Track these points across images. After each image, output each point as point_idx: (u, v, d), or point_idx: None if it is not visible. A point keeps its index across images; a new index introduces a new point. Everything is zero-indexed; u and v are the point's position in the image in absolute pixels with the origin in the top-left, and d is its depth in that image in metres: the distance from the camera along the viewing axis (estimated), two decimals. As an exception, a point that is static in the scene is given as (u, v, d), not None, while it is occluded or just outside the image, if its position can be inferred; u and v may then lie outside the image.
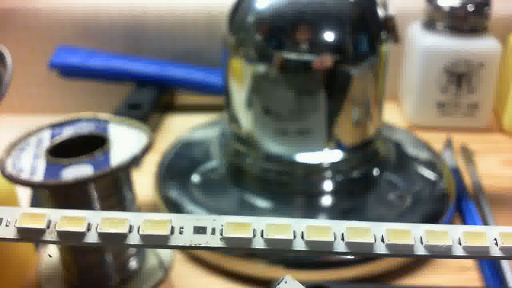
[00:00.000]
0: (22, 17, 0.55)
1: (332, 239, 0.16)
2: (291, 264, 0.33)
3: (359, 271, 0.33)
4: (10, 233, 0.16)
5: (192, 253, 0.36)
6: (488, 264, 0.34)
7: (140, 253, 0.31)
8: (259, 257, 0.33)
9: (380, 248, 0.16)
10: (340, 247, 0.16)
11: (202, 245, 0.17)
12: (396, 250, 0.16)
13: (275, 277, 0.33)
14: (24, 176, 0.27)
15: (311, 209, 0.37)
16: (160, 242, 0.16)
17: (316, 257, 0.33)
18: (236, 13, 0.37)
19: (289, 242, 0.16)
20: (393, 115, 0.54)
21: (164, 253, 0.32)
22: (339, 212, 0.36)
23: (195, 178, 0.40)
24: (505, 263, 0.33)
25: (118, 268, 0.30)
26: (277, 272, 0.33)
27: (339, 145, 0.37)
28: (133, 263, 0.31)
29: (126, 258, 0.30)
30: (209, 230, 0.17)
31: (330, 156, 0.37)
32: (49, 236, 0.16)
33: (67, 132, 0.31)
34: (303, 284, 0.30)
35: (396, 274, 0.34)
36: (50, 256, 0.32)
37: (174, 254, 0.34)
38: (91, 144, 0.30)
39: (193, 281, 0.34)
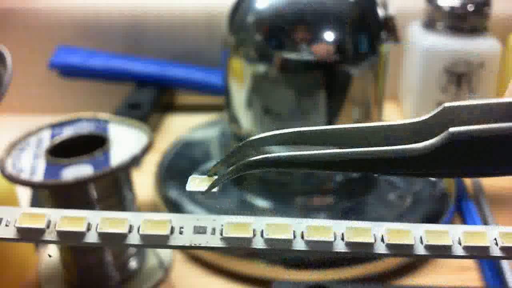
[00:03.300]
0: (22, 17, 0.55)
1: (332, 239, 0.16)
2: (291, 264, 0.33)
3: (359, 271, 0.33)
4: (10, 233, 0.16)
5: (192, 253, 0.35)
6: (488, 264, 0.34)
7: (140, 253, 0.31)
8: (259, 257, 0.33)
9: (380, 248, 0.16)
10: (340, 247, 0.16)
11: (202, 245, 0.17)
12: (396, 250, 0.16)
13: (275, 277, 0.33)
14: (24, 176, 0.27)
15: (311, 209, 0.37)
16: (160, 242, 0.16)
17: (316, 257, 0.33)
18: (236, 13, 0.37)
19: (289, 242, 0.16)
20: (393, 115, 0.54)
21: (164, 253, 0.32)
22: (339, 212, 0.36)
23: (195, 178, 0.40)
24: (505, 263, 0.33)
25: (118, 268, 0.30)
26: (277, 272, 0.33)
27: (339, 145, 0.37)
28: (133, 263, 0.31)
29: (126, 258, 0.30)
30: (209, 230, 0.17)
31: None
32: (49, 236, 0.16)
33: (67, 132, 0.31)
34: (303, 284, 0.30)
35: (396, 274, 0.34)
36: (50, 256, 0.32)
37: (174, 254, 0.34)
38: (91, 144, 0.30)
39: (193, 281, 0.34)
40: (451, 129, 0.14)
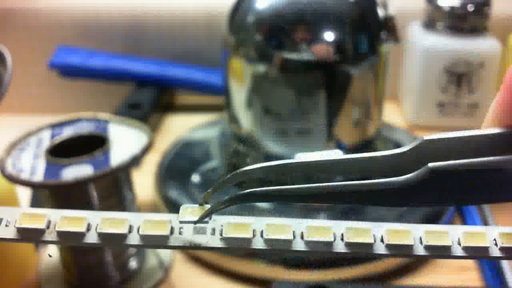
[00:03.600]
0: (22, 17, 0.55)
1: (332, 239, 0.16)
2: (291, 264, 0.33)
3: (359, 271, 0.33)
4: (10, 233, 0.16)
5: (192, 253, 0.36)
6: (488, 264, 0.34)
7: (140, 253, 0.31)
8: (259, 257, 0.33)
9: (380, 249, 0.16)
10: (340, 247, 0.16)
11: (202, 245, 0.17)
12: (395, 251, 0.16)
13: (275, 277, 0.33)
14: (24, 176, 0.27)
15: (311, 209, 0.37)
16: (160, 242, 0.16)
17: (316, 257, 0.33)
18: (236, 13, 0.37)
19: (289, 242, 0.16)
20: (393, 115, 0.54)
21: (164, 253, 0.32)
22: (339, 212, 0.36)
23: (195, 178, 0.40)
24: (505, 263, 0.33)
25: (118, 268, 0.30)
26: (277, 272, 0.33)
27: (339, 145, 0.37)
28: (133, 263, 0.31)
29: (126, 258, 0.30)
30: (209, 230, 0.17)
31: (330, 156, 0.37)
32: (49, 236, 0.16)
33: (67, 132, 0.31)
34: (303, 284, 0.30)
35: (396, 274, 0.34)
36: (50, 256, 0.32)
37: (174, 254, 0.34)
38: (91, 144, 0.30)
39: (193, 281, 0.34)
40: (430, 165, 0.14)
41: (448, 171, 0.14)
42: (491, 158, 0.14)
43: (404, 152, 0.15)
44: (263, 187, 0.16)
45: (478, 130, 0.15)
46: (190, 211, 0.17)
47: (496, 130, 0.15)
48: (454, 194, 0.15)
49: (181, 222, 0.17)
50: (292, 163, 0.16)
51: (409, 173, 0.15)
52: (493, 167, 0.14)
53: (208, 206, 0.17)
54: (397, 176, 0.15)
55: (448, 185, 0.15)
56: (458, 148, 0.15)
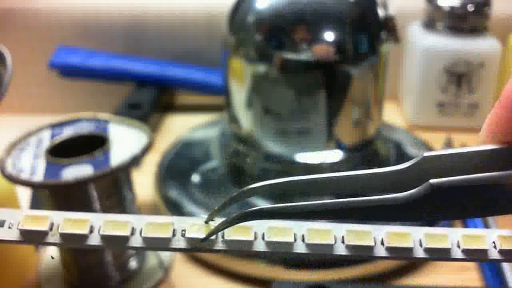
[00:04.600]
0: (22, 17, 0.55)
1: (333, 242, 0.16)
2: (291, 264, 0.33)
3: (359, 271, 0.33)
4: (14, 235, 0.16)
5: (192, 254, 0.36)
6: (488, 264, 0.34)
7: (140, 253, 0.31)
8: (259, 257, 0.33)
9: (380, 251, 0.16)
10: (340, 250, 0.16)
11: (204, 248, 0.17)
12: (395, 253, 0.16)
13: (275, 277, 0.33)
14: (24, 176, 0.27)
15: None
16: (162, 244, 0.16)
17: (316, 257, 0.33)
18: (236, 13, 0.37)
19: (290, 245, 0.16)
20: (393, 115, 0.54)
21: (164, 253, 0.32)
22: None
23: (195, 178, 0.40)
24: (505, 264, 0.33)
25: (118, 268, 0.30)
26: (277, 272, 0.33)
27: (339, 145, 0.37)
28: (133, 263, 0.31)
29: (126, 258, 0.31)
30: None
31: (330, 156, 0.37)
32: (52, 238, 0.16)
33: (67, 132, 0.31)
34: (303, 284, 0.30)
35: (396, 274, 0.34)
36: (52, 258, 0.32)
37: (174, 254, 0.34)
38: (91, 144, 0.30)
39: (193, 281, 0.34)
40: (431, 181, 0.15)
41: (449, 187, 0.15)
42: (490, 174, 0.15)
43: (405, 168, 0.16)
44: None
45: (477, 146, 0.16)
46: (196, 228, 0.17)
47: (493, 146, 0.16)
48: (455, 209, 0.15)
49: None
50: (297, 180, 0.16)
51: (410, 189, 0.15)
52: (492, 182, 0.15)
53: (214, 223, 0.17)
54: (398, 192, 0.15)
55: (450, 201, 0.15)
56: (457, 164, 0.15)
